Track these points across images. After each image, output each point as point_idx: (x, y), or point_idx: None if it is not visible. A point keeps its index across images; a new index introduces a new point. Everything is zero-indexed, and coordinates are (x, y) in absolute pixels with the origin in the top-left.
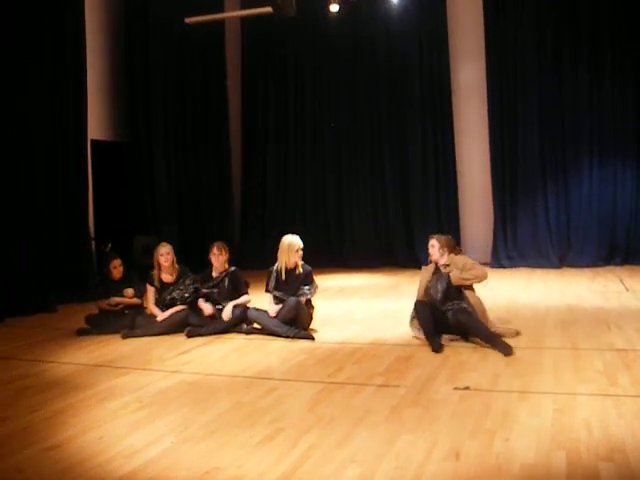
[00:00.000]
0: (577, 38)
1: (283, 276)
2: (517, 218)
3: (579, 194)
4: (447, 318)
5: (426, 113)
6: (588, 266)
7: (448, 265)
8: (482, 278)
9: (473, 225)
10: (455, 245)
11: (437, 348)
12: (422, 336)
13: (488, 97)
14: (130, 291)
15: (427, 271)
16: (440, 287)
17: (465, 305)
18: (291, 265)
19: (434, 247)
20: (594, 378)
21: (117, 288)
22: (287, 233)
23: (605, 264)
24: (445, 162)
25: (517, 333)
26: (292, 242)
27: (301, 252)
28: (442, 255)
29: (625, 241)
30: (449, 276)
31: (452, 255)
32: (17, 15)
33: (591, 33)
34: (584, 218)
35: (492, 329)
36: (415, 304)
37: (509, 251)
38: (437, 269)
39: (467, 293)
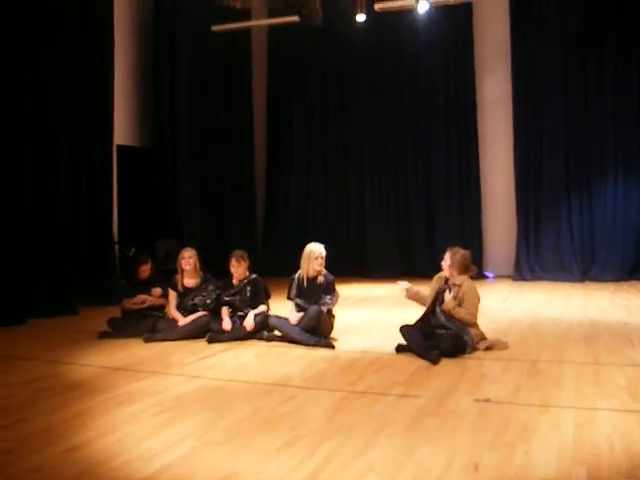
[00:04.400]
0: (603, 52)
1: (305, 284)
2: (540, 231)
3: (603, 207)
4: (437, 337)
5: (451, 126)
6: (611, 280)
7: (457, 285)
8: (465, 324)
9: (496, 238)
10: (470, 264)
11: (436, 360)
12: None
13: (513, 111)
14: (158, 290)
15: (439, 280)
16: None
17: (461, 334)
18: (312, 273)
19: (446, 262)
20: (616, 393)
21: (144, 288)
22: (309, 242)
23: (629, 278)
24: (469, 175)
25: (506, 346)
26: (313, 250)
27: (321, 260)
28: (451, 273)
29: None
30: (443, 299)
31: (466, 278)
32: (47, 23)
33: (617, 48)
34: (608, 232)
35: (483, 341)
36: (400, 330)
37: (532, 264)
38: (447, 283)
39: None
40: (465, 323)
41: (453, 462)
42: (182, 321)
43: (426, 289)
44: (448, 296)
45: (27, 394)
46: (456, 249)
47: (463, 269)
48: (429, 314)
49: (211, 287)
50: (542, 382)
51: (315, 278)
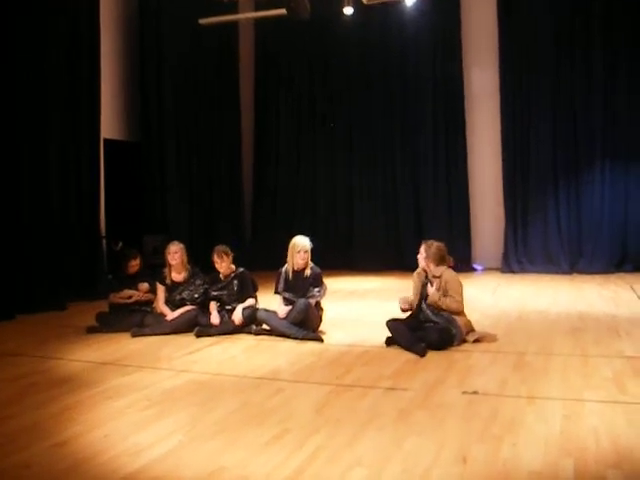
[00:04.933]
0: (591, 44)
1: (291, 277)
2: (528, 223)
3: (591, 200)
4: (425, 330)
5: (439, 117)
6: (599, 273)
7: (437, 277)
8: (454, 312)
9: (484, 230)
10: (445, 255)
11: (422, 352)
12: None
13: (501, 101)
14: (145, 285)
15: (419, 276)
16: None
17: (449, 327)
18: (298, 266)
19: (421, 255)
20: (603, 385)
21: (131, 283)
22: (297, 235)
23: (616, 271)
24: (457, 167)
25: (494, 338)
26: (296, 243)
27: (304, 254)
28: (427, 266)
29: (637, 247)
30: (427, 293)
31: (445, 268)
32: (34, 17)
33: (605, 37)
34: (595, 224)
35: (472, 333)
36: (387, 324)
37: (519, 257)
38: (427, 277)
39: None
40: (453, 312)
41: (441, 454)
42: (170, 315)
43: (412, 294)
44: (431, 289)
45: (15, 389)
46: (430, 242)
47: (439, 260)
48: (417, 311)
49: (199, 281)
50: (529, 374)
51: (302, 271)
